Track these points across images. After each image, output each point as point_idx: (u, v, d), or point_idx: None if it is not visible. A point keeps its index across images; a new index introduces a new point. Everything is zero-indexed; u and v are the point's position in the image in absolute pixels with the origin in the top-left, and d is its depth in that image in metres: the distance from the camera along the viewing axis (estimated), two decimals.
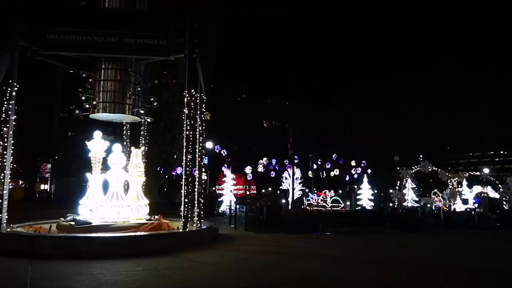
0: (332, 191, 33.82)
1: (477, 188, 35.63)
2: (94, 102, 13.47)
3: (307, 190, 37.89)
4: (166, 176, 36.21)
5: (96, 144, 13.33)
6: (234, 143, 53.51)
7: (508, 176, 37.66)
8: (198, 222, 13.01)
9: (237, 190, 39.51)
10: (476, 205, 34.25)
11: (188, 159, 12.86)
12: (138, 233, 11.57)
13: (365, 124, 57.12)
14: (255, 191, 52.67)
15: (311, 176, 42.59)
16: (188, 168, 12.86)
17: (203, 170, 14.08)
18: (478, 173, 37.20)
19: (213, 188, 41.03)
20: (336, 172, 47.65)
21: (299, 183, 30.80)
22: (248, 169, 41.58)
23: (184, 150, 12.98)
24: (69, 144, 53.78)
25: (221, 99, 70.96)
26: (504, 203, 34.99)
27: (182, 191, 12.79)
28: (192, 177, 12.93)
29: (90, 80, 13.66)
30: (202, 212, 13.31)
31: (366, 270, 9.71)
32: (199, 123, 13.44)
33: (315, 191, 34.77)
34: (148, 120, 15.31)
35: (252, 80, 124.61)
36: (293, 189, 24.56)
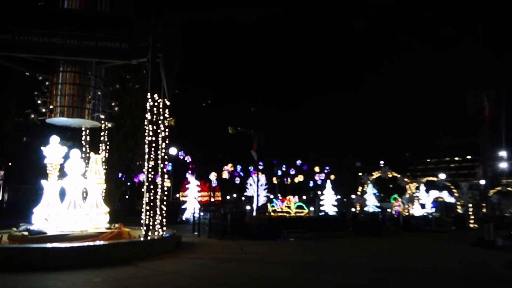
0: (296, 197, 34.13)
1: (434, 193, 37.12)
2: (51, 106, 12.91)
3: (271, 196, 38.04)
4: (128, 183, 35.20)
5: (53, 150, 12.74)
6: (198, 149, 52.98)
7: (463, 181, 39.49)
8: (160, 230, 12.71)
9: (202, 197, 39.07)
10: (433, 209, 35.69)
11: (150, 165, 12.58)
12: (97, 243, 11.13)
13: (329, 130, 58.37)
14: (220, 198, 52.35)
15: (275, 182, 42.86)
16: (150, 175, 12.56)
17: (167, 176, 13.82)
18: (434, 178, 38.79)
19: (177, 195, 40.34)
20: (300, 178, 48.23)
21: (264, 189, 30.80)
22: (212, 176, 41.29)
23: (147, 157, 12.69)
24: (24, 150, 51.21)
25: (185, 104, 70.21)
26: (459, 207, 36.70)
27: (144, 199, 12.47)
28: (154, 184, 12.64)
29: (47, 83, 13.10)
30: (164, 220, 13.02)
31: (329, 274, 9.83)
32: (162, 128, 13.20)
33: (280, 197, 34.97)
34: (109, 125, 14.86)
35: (218, 86, 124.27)
36: (258, 195, 24.54)
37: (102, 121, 14.24)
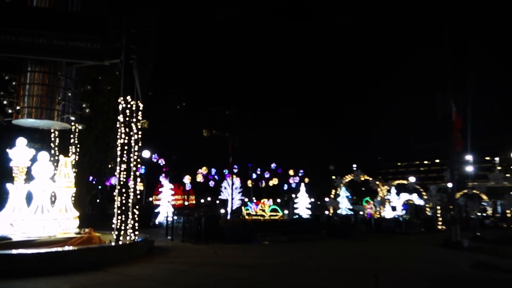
0: (270, 200, 34.25)
1: (404, 196, 38.09)
2: (18, 107, 12.45)
3: (246, 200, 38.04)
4: (99, 187, 34.37)
5: (19, 153, 12.29)
6: (172, 152, 52.36)
7: (431, 184, 40.69)
8: (132, 235, 12.45)
9: (175, 201, 38.61)
10: (403, 211, 36.59)
11: (122, 168, 12.32)
12: (65, 248, 10.78)
13: (304, 134, 59.03)
14: (194, 201, 51.90)
15: (250, 185, 42.90)
16: (122, 178, 12.31)
17: (139, 180, 13.57)
18: (405, 181, 39.81)
19: (150, 199, 39.71)
20: (275, 181, 48.48)
21: (239, 193, 30.80)
22: (187, 179, 40.93)
23: (119, 159, 12.42)
24: None
25: (160, 106, 69.32)
26: (428, 209, 37.79)
27: (116, 202, 12.20)
28: (126, 187, 12.38)
29: (14, 83, 12.63)
30: (137, 224, 12.78)
31: (303, 277, 9.90)
32: (135, 131, 12.97)
33: (254, 201, 35.02)
34: (80, 127, 14.48)
35: (193, 88, 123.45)
36: (232, 198, 24.48)
37: (72, 123, 13.86)
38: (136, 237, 12.62)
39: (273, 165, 47.74)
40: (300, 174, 48.52)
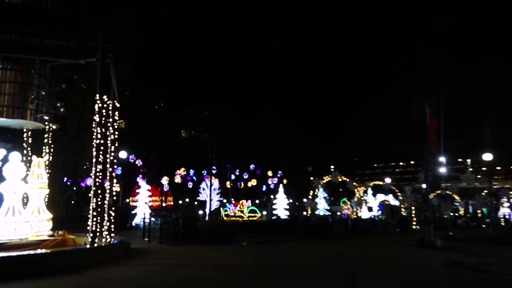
0: (249, 201, 34.25)
1: (380, 196, 38.82)
2: None
3: (224, 201, 37.93)
4: (74, 188, 33.59)
5: None
6: (150, 152, 51.65)
7: (407, 185, 41.63)
8: (108, 237, 12.22)
9: (153, 202, 38.18)
10: (379, 212, 37.28)
11: (98, 169, 12.08)
12: (38, 251, 10.48)
13: (283, 136, 59.34)
14: (172, 203, 51.33)
15: (229, 186, 42.81)
16: (98, 179, 12.07)
17: (115, 181, 13.33)
18: (381, 182, 40.58)
19: (127, 200, 39.06)
20: (253, 182, 48.54)
21: (217, 194, 30.63)
22: (164, 180, 40.49)
23: (94, 160, 12.17)
24: None
25: (137, 106, 68.26)
26: (403, 209, 38.64)
27: (91, 204, 11.95)
28: (102, 188, 12.15)
29: None
30: (113, 226, 12.55)
31: (281, 277, 9.95)
32: (112, 131, 12.74)
33: (233, 202, 34.95)
34: (54, 127, 14.12)
35: (171, 88, 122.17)
36: (211, 200, 24.35)
37: (46, 122, 13.50)
38: (112, 239, 12.39)
39: (252, 166, 47.79)
40: (278, 175, 48.75)
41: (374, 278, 10.01)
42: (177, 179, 42.51)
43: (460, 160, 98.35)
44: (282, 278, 9.85)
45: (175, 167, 46.15)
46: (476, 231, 30.64)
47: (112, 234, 12.48)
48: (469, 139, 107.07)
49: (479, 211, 41.48)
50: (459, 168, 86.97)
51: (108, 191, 12.51)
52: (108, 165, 12.60)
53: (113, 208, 12.72)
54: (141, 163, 39.85)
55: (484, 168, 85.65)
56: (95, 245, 11.61)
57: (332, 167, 40.27)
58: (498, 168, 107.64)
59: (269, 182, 48.13)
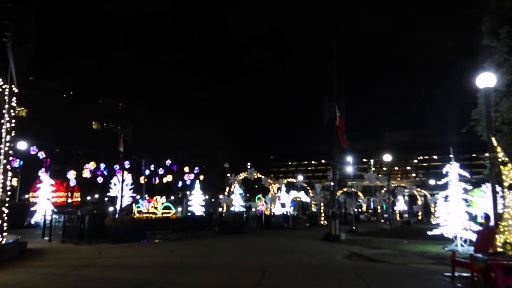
0: (164, 197, 33.44)
1: (293, 193, 40.53)
2: None
3: (138, 197, 36.49)
4: None
5: None
6: (56, 144, 47.65)
7: (317, 183, 44.00)
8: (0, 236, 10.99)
9: (57, 198, 35.31)
10: (292, 208, 38.90)
11: None
12: None
13: (200, 132, 58.82)
14: (79, 199, 47.99)
15: (143, 182, 41.21)
16: None
17: (11, 174, 12.02)
18: (294, 180, 42.35)
19: (26, 196, 35.59)
20: (169, 178, 47.40)
21: (130, 190, 29.26)
22: (71, 174, 37.64)
23: None
24: None
25: (42, 94, 62.48)
26: (313, 205, 40.81)
27: None
28: None
29: None
30: (5, 224, 11.30)
31: (192, 274, 9.84)
32: (8, 118, 11.45)
33: (147, 198, 33.77)
34: None
35: (82, 77, 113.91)
36: (122, 196, 23.18)
37: None
38: (5, 239, 11.17)
39: (168, 162, 46.51)
40: (195, 171, 48.15)
41: (283, 271, 10.39)
42: (86, 174, 39.69)
43: (364, 160, 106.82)
44: (194, 275, 9.75)
45: (84, 160, 43.12)
46: (376, 225, 33.57)
47: (5, 234, 11.26)
48: (373, 142, 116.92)
49: (379, 207, 45.54)
50: (364, 167, 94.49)
51: (1, 185, 11.24)
52: (2, 157, 11.32)
53: (6, 205, 11.46)
54: (44, 156, 36.51)
55: (384, 168, 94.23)
56: None
57: (248, 164, 40.88)
58: (396, 168, 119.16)
59: (186, 178, 47.31)
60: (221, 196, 42.65)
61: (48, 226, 17.71)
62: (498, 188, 10.65)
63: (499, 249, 8.34)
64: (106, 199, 42.05)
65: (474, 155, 71.28)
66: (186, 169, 46.32)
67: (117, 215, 21.56)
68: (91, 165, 39.25)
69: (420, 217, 50.48)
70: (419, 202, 52.91)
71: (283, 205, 35.37)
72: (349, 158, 44.52)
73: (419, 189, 53.58)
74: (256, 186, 56.25)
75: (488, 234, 9.25)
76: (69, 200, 46.68)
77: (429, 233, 17.40)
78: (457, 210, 15.49)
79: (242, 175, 35.50)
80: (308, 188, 41.61)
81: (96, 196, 53.38)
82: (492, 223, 10.70)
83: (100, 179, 40.94)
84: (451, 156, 15.97)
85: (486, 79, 10.51)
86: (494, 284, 7.46)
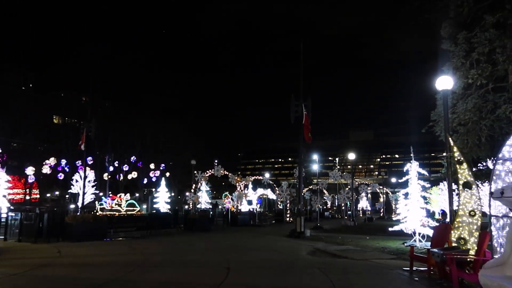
0: (128, 194, 32.68)
1: (260, 190, 40.75)
2: None
3: (101, 194, 35.49)
4: None
5: None
6: (13, 139, 45.45)
7: (283, 180, 44.50)
8: None
9: (14, 195, 33.83)
10: (258, 205, 39.10)
11: None
12: None
13: (167, 128, 57.87)
14: (38, 196, 46.06)
15: (106, 178, 40.05)
16: None
17: None
18: (261, 177, 42.59)
19: None
20: (134, 174, 46.36)
21: (92, 186, 28.37)
22: (30, 170, 36.03)
23: None
24: None
25: None
26: (279, 203, 41.20)
27: None
28: None
29: None
30: None
31: (155, 272, 9.68)
32: None
33: (110, 195, 32.89)
34: None
35: (42, 69, 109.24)
36: (84, 193, 22.46)
37: None
38: None
39: (133, 158, 45.37)
40: (161, 168, 47.27)
41: (247, 268, 10.44)
42: (46, 170, 38.04)
43: (330, 158, 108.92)
44: (158, 274, 9.60)
45: (44, 156, 41.33)
46: (340, 222, 34.35)
47: None
48: (339, 140, 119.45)
49: (343, 204, 46.62)
50: (329, 165, 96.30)
51: None
52: None
53: None
54: (0, 150, 34.71)
55: (349, 166, 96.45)
56: None
57: (215, 161, 40.67)
58: (360, 166, 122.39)
59: (151, 174, 46.35)
60: (187, 193, 42.24)
61: (4, 225, 16.93)
62: (454, 186, 11.14)
63: (454, 244, 8.74)
64: (67, 196, 40.65)
65: (433, 154, 74.27)
66: (152, 165, 45.35)
67: (78, 213, 20.90)
68: (51, 160, 37.62)
69: (382, 214, 52.17)
70: (381, 200, 54.67)
71: (249, 203, 35.51)
72: (315, 156, 45.31)
73: (381, 187, 55.32)
74: (223, 183, 56.10)
75: (444, 230, 9.69)
76: (28, 197, 44.78)
77: (390, 229, 18.02)
78: (416, 207, 16.12)
79: (209, 172, 35.30)
80: (274, 185, 41.99)
81: (57, 193, 51.44)
82: (448, 219, 11.22)
83: (61, 176, 39.34)
84: (411, 155, 16.58)
85: (444, 82, 10.98)
86: (449, 277, 7.83)
